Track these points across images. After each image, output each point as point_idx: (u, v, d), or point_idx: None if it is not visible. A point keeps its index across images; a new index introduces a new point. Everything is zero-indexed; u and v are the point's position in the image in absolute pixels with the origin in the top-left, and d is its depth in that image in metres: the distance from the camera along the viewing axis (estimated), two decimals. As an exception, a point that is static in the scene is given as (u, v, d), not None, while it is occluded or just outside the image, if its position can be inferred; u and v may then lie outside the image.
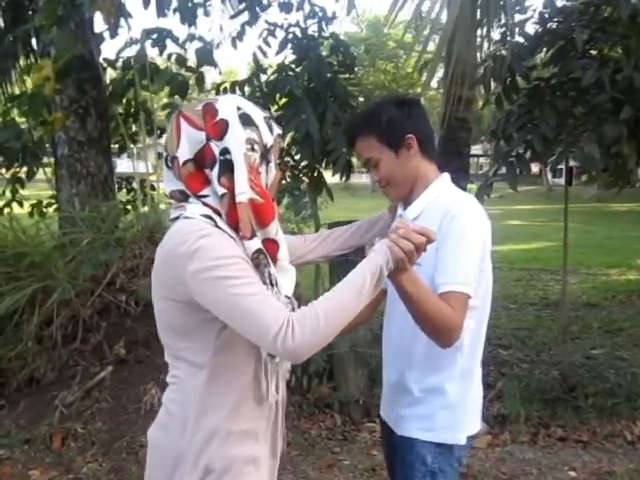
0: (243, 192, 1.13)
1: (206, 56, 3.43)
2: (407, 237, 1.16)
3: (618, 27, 3.64)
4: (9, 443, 3.01)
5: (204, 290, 1.09)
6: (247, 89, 4.06)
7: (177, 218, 1.17)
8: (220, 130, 1.15)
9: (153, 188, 4.22)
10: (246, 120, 1.17)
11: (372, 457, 3.09)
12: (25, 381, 3.31)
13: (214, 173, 1.14)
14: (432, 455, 1.44)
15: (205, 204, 1.16)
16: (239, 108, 1.18)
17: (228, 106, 1.18)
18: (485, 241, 1.43)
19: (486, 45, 4.08)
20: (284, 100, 4.07)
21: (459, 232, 1.38)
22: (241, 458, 1.19)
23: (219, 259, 1.07)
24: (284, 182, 3.86)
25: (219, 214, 1.15)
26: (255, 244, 1.14)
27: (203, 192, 1.16)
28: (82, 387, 3.26)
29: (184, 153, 1.16)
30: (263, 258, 1.14)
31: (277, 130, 1.24)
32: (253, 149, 1.17)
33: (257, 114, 1.21)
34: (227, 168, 1.14)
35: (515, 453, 3.10)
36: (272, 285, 1.14)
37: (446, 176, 1.53)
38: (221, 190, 1.14)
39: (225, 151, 1.14)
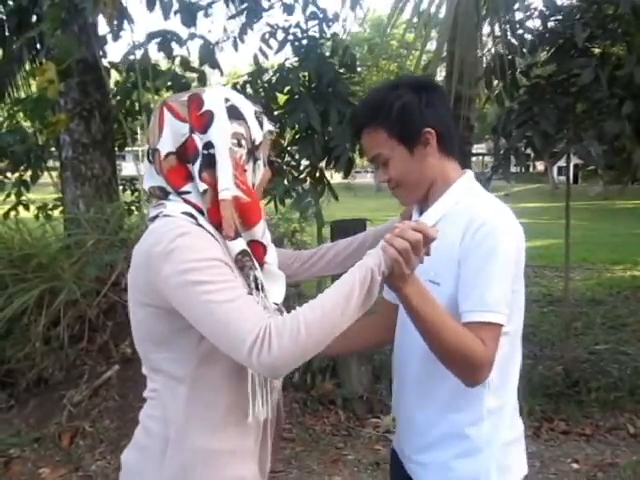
0: (227, 189, 1.04)
1: (208, 55, 3.47)
2: (402, 235, 1.00)
3: (621, 24, 3.66)
4: (19, 442, 3.06)
5: (177, 295, 0.99)
6: (249, 90, 4.10)
7: (156, 217, 1.07)
8: (204, 122, 1.07)
9: None
10: (234, 113, 1.09)
11: (376, 452, 3.12)
12: (34, 381, 3.36)
13: (196, 168, 1.06)
14: None
15: (186, 201, 1.07)
16: (227, 100, 1.10)
17: (215, 97, 1.10)
18: (519, 256, 1.18)
19: (490, 43, 4.12)
20: (285, 99, 4.12)
21: (488, 246, 1.13)
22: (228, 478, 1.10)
23: (194, 261, 0.97)
24: (287, 183, 3.89)
25: (202, 212, 1.06)
26: (239, 245, 1.05)
27: (185, 188, 1.07)
28: (89, 386, 3.31)
29: (166, 145, 1.08)
30: (248, 260, 1.05)
31: (268, 126, 1.16)
32: (240, 144, 1.09)
33: (247, 107, 1.12)
34: (210, 163, 1.06)
35: (518, 447, 3.11)
36: (258, 289, 1.05)
37: (470, 174, 1.29)
38: (203, 186, 1.05)
39: (209, 145, 1.06)
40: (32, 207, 4.29)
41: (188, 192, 1.07)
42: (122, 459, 1.16)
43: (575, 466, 2.95)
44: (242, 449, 1.11)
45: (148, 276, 1.02)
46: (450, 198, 1.24)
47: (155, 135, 1.09)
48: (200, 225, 1.04)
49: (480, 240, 1.13)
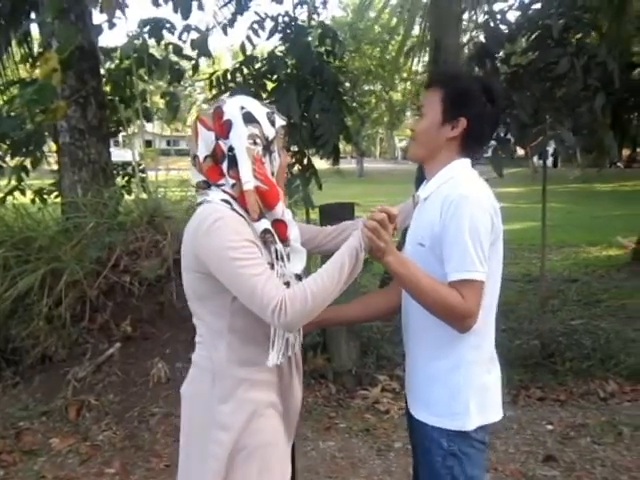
0: (248, 181, 1.33)
1: (202, 47, 3.59)
2: (371, 217, 1.29)
3: (595, 15, 3.84)
4: (28, 415, 3.21)
5: (218, 267, 1.29)
6: (238, 78, 4.22)
7: (201, 203, 1.38)
8: (225, 130, 1.35)
9: (142, 171, 4.42)
10: (248, 118, 1.36)
11: (366, 420, 3.34)
12: (38, 359, 3.49)
13: (224, 167, 1.36)
14: (447, 439, 1.44)
15: (224, 191, 1.36)
16: (242, 108, 1.37)
17: (233, 107, 1.37)
18: (492, 223, 1.39)
19: (472, 31, 4.29)
20: (273, 87, 4.24)
21: (459, 216, 1.36)
22: (263, 402, 1.40)
23: (230, 241, 1.27)
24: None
25: (235, 199, 1.35)
26: (263, 225, 1.34)
27: (220, 182, 1.37)
28: (93, 362, 3.45)
29: (202, 151, 1.38)
30: (270, 237, 1.34)
31: (280, 122, 1.42)
32: (255, 143, 1.36)
33: (259, 111, 1.39)
34: (234, 162, 1.34)
35: (497, 412, 3.34)
36: (279, 259, 1.34)
37: (463, 161, 1.50)
38: (231, 181, 1.35)
39: (231, 148, 1.35)
40: (28, 192, 4.37)
41: (223, 184, 1.38)
42: (182, 392, 1.47)
43: (550, 427, 3.20)
44: (272, 380, 1.41)
45: (194, 249, 1.34)
46: (441, 177, 1.48)
47: (194, 144, 1.40)
48: (234, 209, 1.34)
49: (453, 212, 1.37)
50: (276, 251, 1.34)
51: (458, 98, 1.45)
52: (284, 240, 1.38)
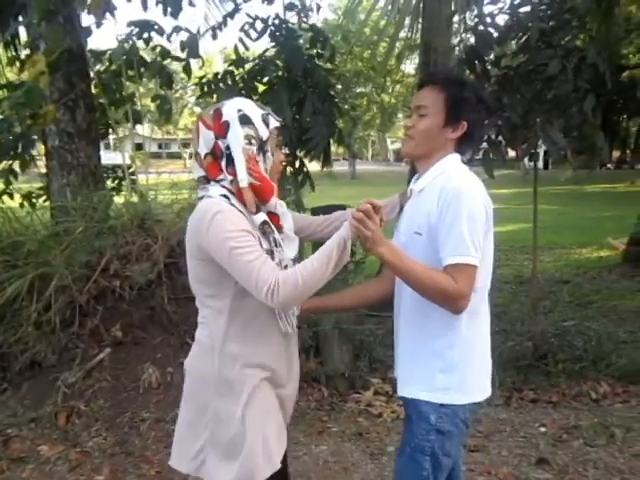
0: (243, 178, 1.47)
1: (192, 48, 3.56)
2: (358, 209, 1.40)
3: (580, 18, 3.86)
4: (16, 422, 3.15)
5: (219, 256, 1.43)
6: (228, 79, 4.21)
7: (202, 197, 1.51)
8: (223, 130, 1.48)
9: (133, 174, 4.39)
10: (244, 120, 1.49)
11: (358, 424, 3.32)
12: (27, 365, 3.44)
13: (223, 164, 1.49)
14: (435, 415, 1.53)
15: (223, 186, 1.50)
16: (239, 110, 1.49)
17: (231, 109, 1.50)
18: (486, 214, 1.49)
19: (462, 33, 4.30)
20: (264, 89, 4.23)
21: (455, 207, 1.44)
22: (258, 376, 1.54)
23: (229, 232, 1.41)
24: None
25: (233, 193, 1.49)
26: (260, 217, 1.48)
27: (220, 177, 1.50)
28: (82, 368, 3.40)
29: (203, 148, 1.51)
30: (268, 227, 1.49)
31: (274, 123, 1.53)
32: (250, 143, 1.48)
33: (255, 113, 1.50)
34: (231, 160, 1.48)
35: (490, 414, 3.34)
36: (277, 246, 1.49)
37: (454, 156, 1.59)
38: (229, 177, 1.49)
39: (228, 147, 1.48)
40: (17, 196, 4.32)
41: (223, 180, 1.50)
42: (185, 366, 1.63)
43: (542, 429, 3.19)
44: (266, 356, 1.54)
45: (197, 239, 1.47)
46: (435, 170, 1.58)
47: (195, 142, 1.53)
48: (232, 204, 1.47)
49: (449, 202, 1.47)
50: (274, 240, 1.49)
51: (462, 102, 1.54)
52: (279, 229, 1.52)
